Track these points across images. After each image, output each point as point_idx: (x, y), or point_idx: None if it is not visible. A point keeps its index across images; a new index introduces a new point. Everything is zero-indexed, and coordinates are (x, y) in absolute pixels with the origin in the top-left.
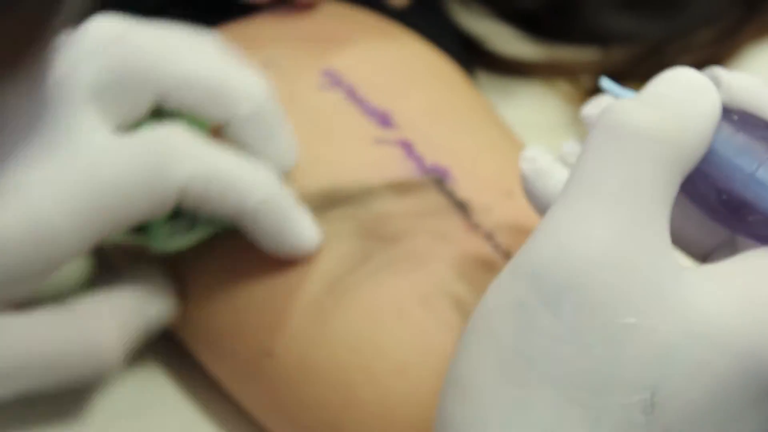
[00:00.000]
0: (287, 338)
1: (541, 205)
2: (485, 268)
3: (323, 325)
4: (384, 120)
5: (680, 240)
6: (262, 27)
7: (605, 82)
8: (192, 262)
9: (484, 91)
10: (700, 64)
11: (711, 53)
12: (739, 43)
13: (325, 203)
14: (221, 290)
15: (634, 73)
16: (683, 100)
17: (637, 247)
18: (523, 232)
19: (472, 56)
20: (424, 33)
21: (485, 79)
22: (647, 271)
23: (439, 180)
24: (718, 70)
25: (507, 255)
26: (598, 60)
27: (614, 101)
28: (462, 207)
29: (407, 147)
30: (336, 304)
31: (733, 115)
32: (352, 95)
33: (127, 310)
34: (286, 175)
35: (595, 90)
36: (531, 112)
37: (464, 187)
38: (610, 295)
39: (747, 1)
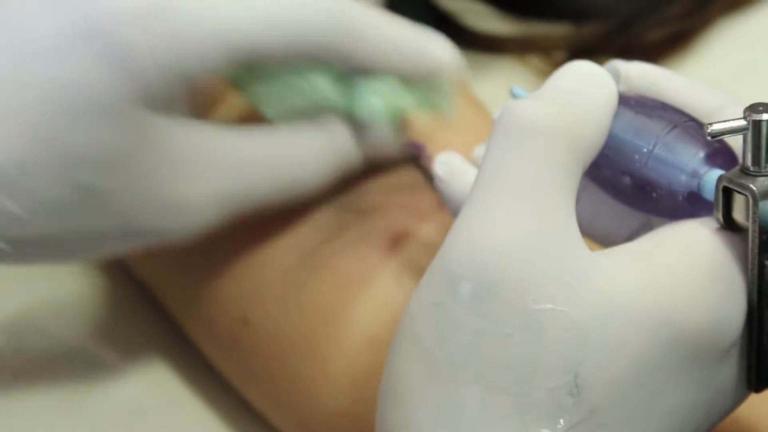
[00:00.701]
0: (262, 307)
1: (455, 208)
2: None
3: (296, 295)
4: None
5: (598, 230)
6: None
7: (515, 90)
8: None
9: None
10: (671, 38)
11: (682, 27)
12: (710, 17)
13: None
14: (201, 258)
15: (606, 49)
16: (577, 92)
17: (544, 236)
18: None
19: (446, 32)
20: (396, 10)
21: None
22: (556, 258)
23: (414, 156)
24: (616, 62)
25: None
26: (570, 36)
27: (512, 101)
28: (433, 181)
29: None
30: (309, 274)
31: (631, 101)
32: None
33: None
34: None
35: None
36: (504, 87)
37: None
38: (523, 285)
39: None
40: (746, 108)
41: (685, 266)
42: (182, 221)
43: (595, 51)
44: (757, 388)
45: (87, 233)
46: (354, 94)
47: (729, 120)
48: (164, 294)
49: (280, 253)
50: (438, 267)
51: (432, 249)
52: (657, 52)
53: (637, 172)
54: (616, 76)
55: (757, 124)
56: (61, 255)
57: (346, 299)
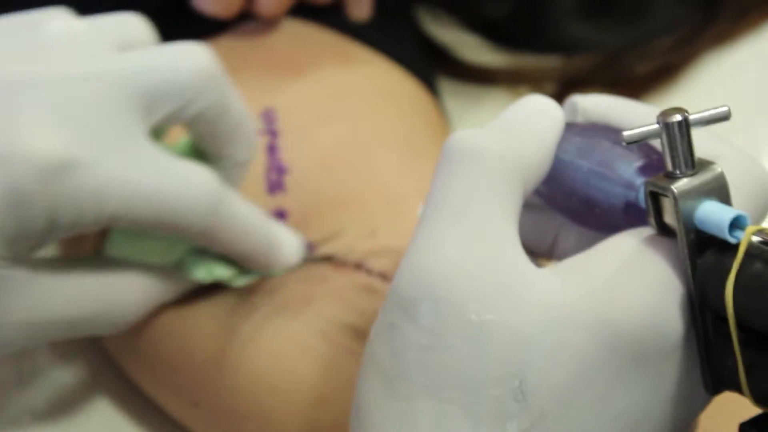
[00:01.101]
0: (207, 391)
1: None
2: (367, 292)
3: (236, 375)
4: (276, 184)
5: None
6: (222, 51)
7: None
8: None
9: (449, 98)
10: (659, 71)
11: (670, 60)
12: (697, 51)
13: None
14: (140, 353)
15: (595, 80)
16: (521, 120)
17: (485, 253)
18: (390, 253)
19: (437, 65)
20: (385, 47)
21: (450, 86)
22: (496, 272)
23: (306, 252)
24: (574, 97)
25: (383, 275)
26: (560, 68)
27: (457, 130)
28: (327, 259)
29: (281, 216)
30: (241, 352)
31: (578, 127)
32: (271, 147)
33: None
34: None
35: (557, 97)
36: (495, 118)
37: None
38: (466, 299)
39: (704, 11)
40: (659, 113)
41: (620, 271)
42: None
43: (584, 83)
44: (714, 390)
45: None
46: (185, 260)
47: (643, 126)
48: (127, 369)
49: (207, 338)
50: (391, 291)
51: (346, 304)
52: (645, 84)
53: (581, 190)
54: (574, 110)
55: (669, 127)
56: None
57: (284, 367)
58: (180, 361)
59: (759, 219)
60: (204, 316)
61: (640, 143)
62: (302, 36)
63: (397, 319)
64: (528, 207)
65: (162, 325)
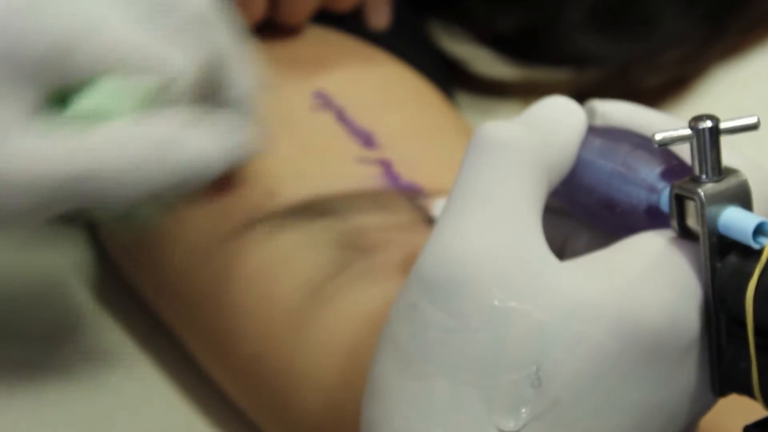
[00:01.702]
0: (272, 344)
1: None
2: None
3: (304, 331)
4: (367, 141)
5: None
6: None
7: None
8: (183, 270)
9: (464, 110)
10: (669, 84)
11: (680, 72)
12: (706, 64)
13: (307, 214)
14: (213, 296)
15: (606, 93)
16: (548, 117)
17: (509, 241)
18: None
19: (452, 77)
20: (404, 55)
21: (465, 99)
22: (520, 260)
23: (412, 197)
24: (594, 102)
25: None
26: (572, 80)
27: (485, 122)
28: (432, 221)
29: (386, 166)
30: (315, 311)
31: (600, 130)
32: (341, 117)
33: None
34: (276, 187)
35: None
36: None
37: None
38: (489, 285)
39: (713, 24)
40: (691, 119)
41: (641, 269)
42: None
43: (596, 95)
44: (721, 392)
45: None
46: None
47: (675, 129)
48: (173, 324)
49: (287, 290)
50: (414, 272)
51: None
52: (655, 96)
53: (602, 190)
54: (593, 114)
55: (700, 132)
56: None
57: (350, 335)
58: (256, 309)
59: None
60: (293, 266)
61: (661, 149)
62: (328, 39)
63: (419, 300)
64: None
65: (248, 267)
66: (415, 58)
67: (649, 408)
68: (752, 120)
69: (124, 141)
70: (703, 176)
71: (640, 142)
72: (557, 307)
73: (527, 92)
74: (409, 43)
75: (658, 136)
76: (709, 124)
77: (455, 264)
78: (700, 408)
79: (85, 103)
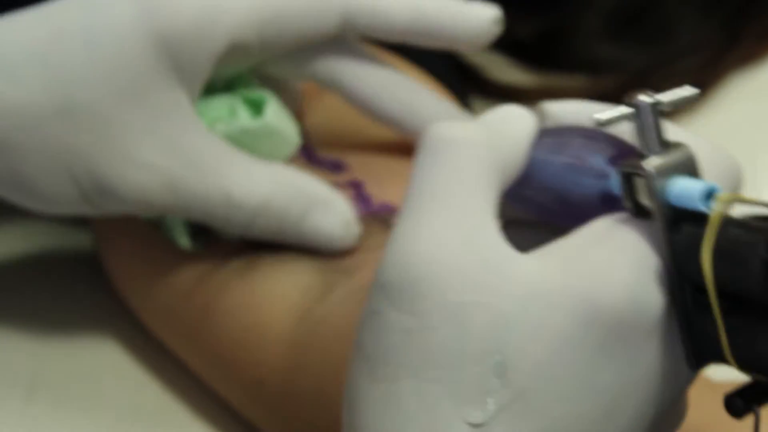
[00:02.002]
0: (270, 369)
1: None
2: None
3: (302, 355)
4: (336, 167)
5: None
6: None
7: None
8: (169, 313)
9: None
10: None
11: (695, 80)
12: (722, 71)
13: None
14: (201, 332)
15: (621, 100)
16: (498, 120)
17: (465, 234)
18: None
19: (467, 83)
20: (419, 62)
21: (480, 105)
22: (475, 254)
23: (387, 217)
24: (544, 104)
25: None
26: (588, 87)
27: (438, 123)
28: None
29: (357, 187)
30: (310, 335)
31: (551, 129)
32: (307, 153)
33: None
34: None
35: None
36: None
37: None
38: (446, 281)
39: (729, 32)
40: (630, 96)
41: (597, 252)
42: (129, 185)
43: (610, 102)
44: (697, 365)
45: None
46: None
47: (615, 108)
48: (176, 351)
49: (274, 318)
50: (375, 278)
51: None
52: None
53: (556, 186)
54: (544, 116)
55: (640, 108)
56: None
57: (347, 355)
58: (247, 337)
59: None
60: (277, 292)
61: (611, 138)
62: None
63: (380, 305)
64: (509, 227)
65: (231, 298)
66: (430, 64)
67: (622, 388)
68: (691, 92)
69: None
70: (649, 152)
71: (590, 134)
72: (516, 296)
73: (542, 98)
74: (424, 49)
75: (598, 116)
76: (648, 99)
77: (410, 265)
78: (679, 383)
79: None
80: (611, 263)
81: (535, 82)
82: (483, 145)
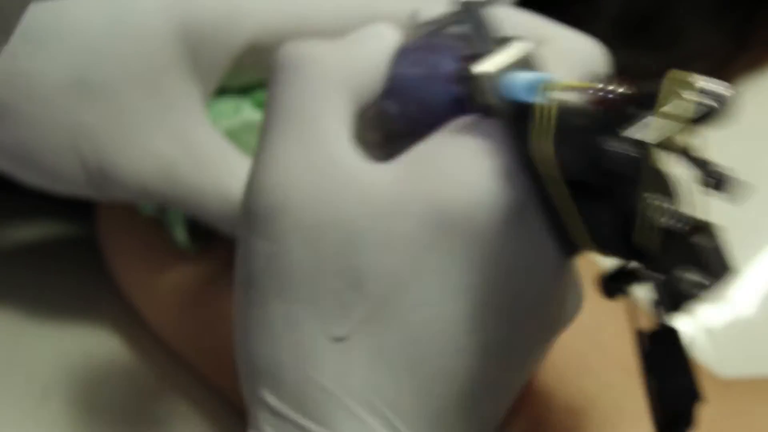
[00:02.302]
0: None
1: None
2: None
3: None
4: None
5: None
6: None
7: None
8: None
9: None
10: None
11: None
12: (731, 77)
13: None
14: (195, 345)
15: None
16: (355, 38)
17: (315, 154)
18: None
19: None
20: None
21: None
22: (326, 172)
23: None
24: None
25: None
26: None
27: (289, 43)
28: None
29: None
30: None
31: (416, 43)
32: None
33: None
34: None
35: None
36: None
37: None
38: (298, 202)
39: (736, 39)
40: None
41: (444, 155)
42: (129, 168)
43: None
44: (568, 253)
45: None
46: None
47: (444, 12)
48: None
49: None
50: (241, 207)
51: None
52: None
53: (418, 96)
54: (417, 20)
55: (469, 6)
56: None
57: None
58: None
59: None
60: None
61: (464, 46)
62: None
63: (244, 233)
64: (391, 140)
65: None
66: None
67: (483, 286)
68: None
69: None
70: (483, 51)
71: (446, 44)
72: (366, 209)
73: None
74: None
75: (421, 16)
76: None
77: (265, 190)
78: (547, 276)
79: None
80: (457, 165)
81: None
82: (334, 64)
